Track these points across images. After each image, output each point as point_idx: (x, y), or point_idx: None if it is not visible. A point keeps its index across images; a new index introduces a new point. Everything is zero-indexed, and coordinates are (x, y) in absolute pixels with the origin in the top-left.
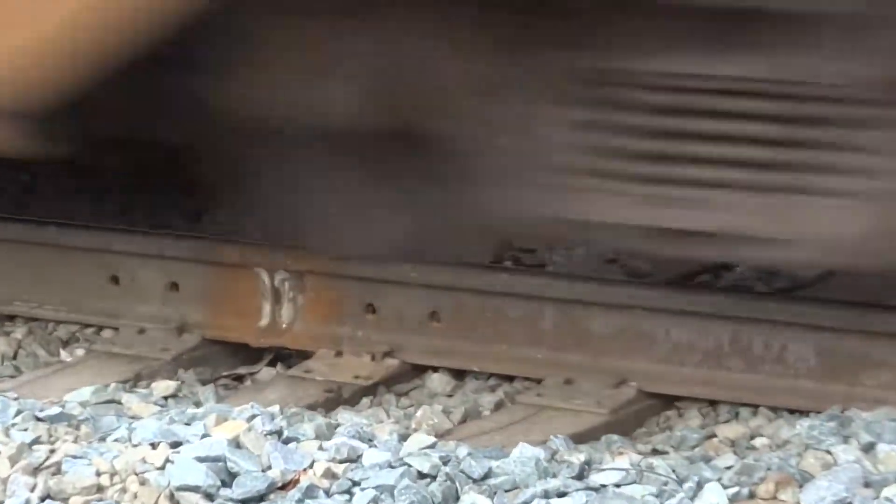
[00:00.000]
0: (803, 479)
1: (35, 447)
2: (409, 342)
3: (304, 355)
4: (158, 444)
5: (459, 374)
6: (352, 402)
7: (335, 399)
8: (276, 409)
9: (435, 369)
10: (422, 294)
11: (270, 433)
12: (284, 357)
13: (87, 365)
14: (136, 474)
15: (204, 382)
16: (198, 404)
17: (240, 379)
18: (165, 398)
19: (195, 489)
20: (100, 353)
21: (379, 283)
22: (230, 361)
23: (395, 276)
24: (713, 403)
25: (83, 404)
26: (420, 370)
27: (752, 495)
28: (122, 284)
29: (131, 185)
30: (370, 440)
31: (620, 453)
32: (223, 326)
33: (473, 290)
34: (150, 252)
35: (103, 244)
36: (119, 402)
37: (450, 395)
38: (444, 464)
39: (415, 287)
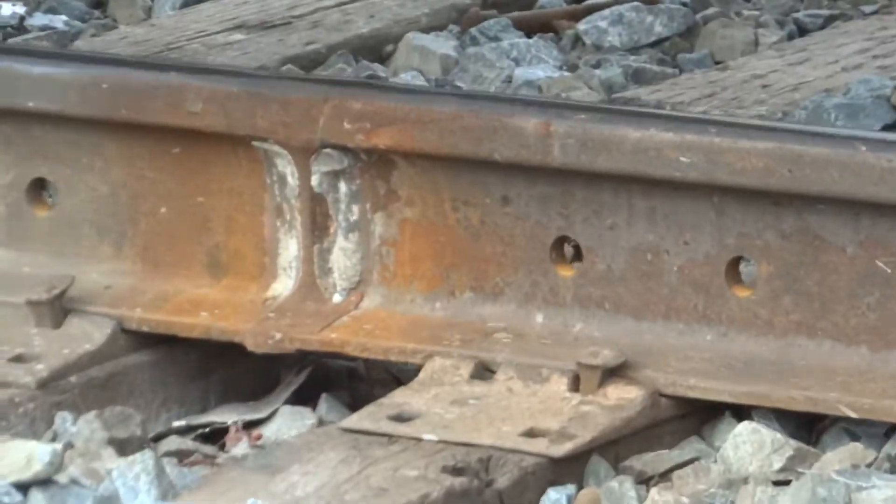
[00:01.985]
0: None
1: None
2: (673, 341)
3: (392, 375)
4: None
5: (804, 426)
6: (519, 498)
7: (476, 492)
8: None
9: (739, 412)
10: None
11: None
12: (336, 379)
13: None
14: None
15: (127, 446)
16: None
17: (219, 439)
18: (24, 487)
19: None
20: None
21: (591, 178)
22: (194, 393)
23: (639, 165)
24: None
25: None
26: (703, 413)
27: None
28: None
29: None
30: None
31: None
32: (176, 302)
33: (830, 199)
34: None
35: None
36: None
37: (781, 481)
38: None
39: (687, 194)
